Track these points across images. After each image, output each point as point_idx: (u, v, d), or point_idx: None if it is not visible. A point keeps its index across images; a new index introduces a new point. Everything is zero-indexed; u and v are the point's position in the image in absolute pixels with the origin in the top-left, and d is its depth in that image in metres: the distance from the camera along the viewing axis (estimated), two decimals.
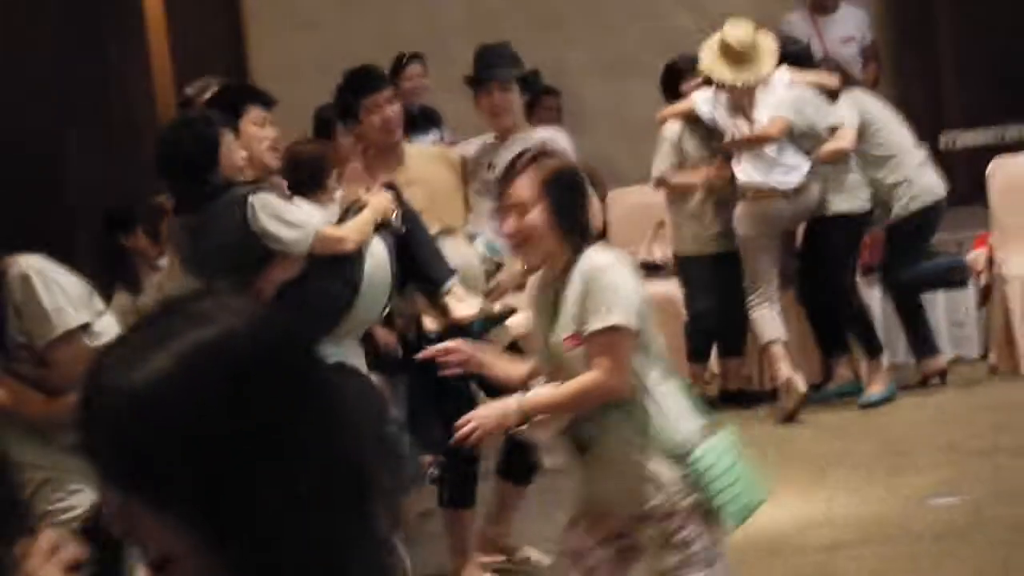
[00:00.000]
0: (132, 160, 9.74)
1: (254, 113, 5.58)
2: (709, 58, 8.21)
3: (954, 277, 8.78)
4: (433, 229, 5.85)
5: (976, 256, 8.89)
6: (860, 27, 10.31)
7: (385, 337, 6.00)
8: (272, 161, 5.60)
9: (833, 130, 8.43)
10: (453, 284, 5.62)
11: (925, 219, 8.56)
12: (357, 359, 5.30)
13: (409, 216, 5.62)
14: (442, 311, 5.59)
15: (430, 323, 5.68)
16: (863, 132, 8.48)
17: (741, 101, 8.29)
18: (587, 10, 10.46)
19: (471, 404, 5.79)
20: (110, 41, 10.28)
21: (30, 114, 10.16)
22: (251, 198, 5.21)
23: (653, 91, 8.96)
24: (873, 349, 8.49)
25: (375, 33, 10.32)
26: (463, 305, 5.57)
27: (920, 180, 8.53)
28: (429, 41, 9.72)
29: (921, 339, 8.62)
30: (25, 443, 4.46)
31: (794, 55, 8.56)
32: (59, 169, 10.24)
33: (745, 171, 8.33)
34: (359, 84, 6.17)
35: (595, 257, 4.13)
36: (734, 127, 8.31)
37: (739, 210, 8.41)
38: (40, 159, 10.17)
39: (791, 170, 8.31)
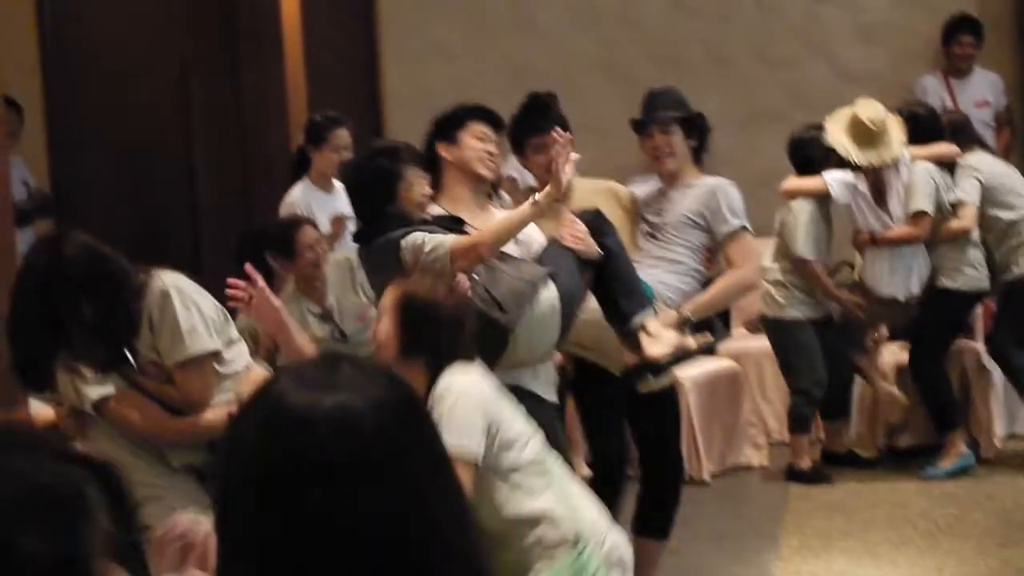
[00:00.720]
0: (265, 182, 9.86)
1: (476, 128, 5.51)
2: (837, 133, 8.08)
3: None
4: None
5: None
6: (994, 91, 10.29)
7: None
8: (483, 170, 5.53)
9: (954, 207, 8.26)
10: (646, 319, 5.49)
11: None
12: (532, 381, 5.23)
13: (609, 246, 5.50)
14: (635, 346, 5.49)
15: (629, 357, 5.57)
16: (987, 197, 8.32)
17: (877, 187, 8.18)
18: (720, 57, 10.43)
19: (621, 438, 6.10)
20: (245, 64, 10.36)
21: (162, 136, 10.29)
22: (402, 241, 5.17)
23: (780, 142, 8.85)
24: (944, 424, 8.40)
25: (506, 64, 10.37)
26: (656, 341, 5.45)
27: None
28: (558, 77, 9.73)
29: None
30: (136, 460, 4.48)
31: (922, 121, 8.35)
32: (191, 191, 10.34)
33: (869, 271, 8.28)
34: (529, 120, 6.06)
35: (443, 381, 4.25)
36: (873, 219, 8.20)
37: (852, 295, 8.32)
38: (171, 181, 10.29)
39: (911, 274, 8.24)
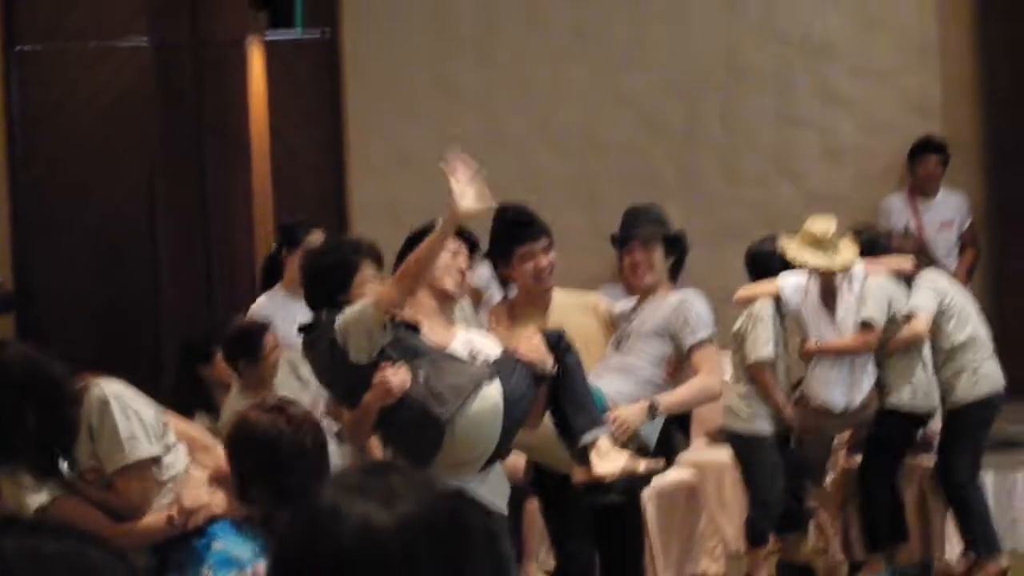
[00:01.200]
0: (228, 284, 9.99)
1: (450, 243, 5.53)
2: (793, 247, 8.05)
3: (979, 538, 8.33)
4: None
5: None
6: (959, 212, 10.34)
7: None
8: (451, 285, 5.60)
9: (908, 317, 8.15)
10: (596, 438, 5.48)
11: (986, 409, 8.31)
12: (480, 487, 5.19)
13: (567, 363, 5.50)
14: (584, 464, 5.48)
15: (578, 474, 5.55)
16: (940, 314, 8.24)
17: (827, 292, 8.08)
18: (688, 175, 10.46)
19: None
20: (213, 169, 10.42)
21: (128, 238, 10.35)
22: (337, 319, 5.19)
23: None
24: (871, 542, 8.36)
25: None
26: (605, 461, 5.45)
27: (984, 368, 8.28)
28: (525, 190, 9.33)
29: (978, 537, 8.35)
30: None
31: (869, 242, 8.33)
32: (155, 292, 10.35)
33: (810, 379, 8.16)
34: (516, 231, 6.15)
35: None
36: (821, 326, 8.11)
37: (794, 410, 8.19)
38: (135, 281, 10.32)
39: (853, 388, 8.13)
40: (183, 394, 7.59)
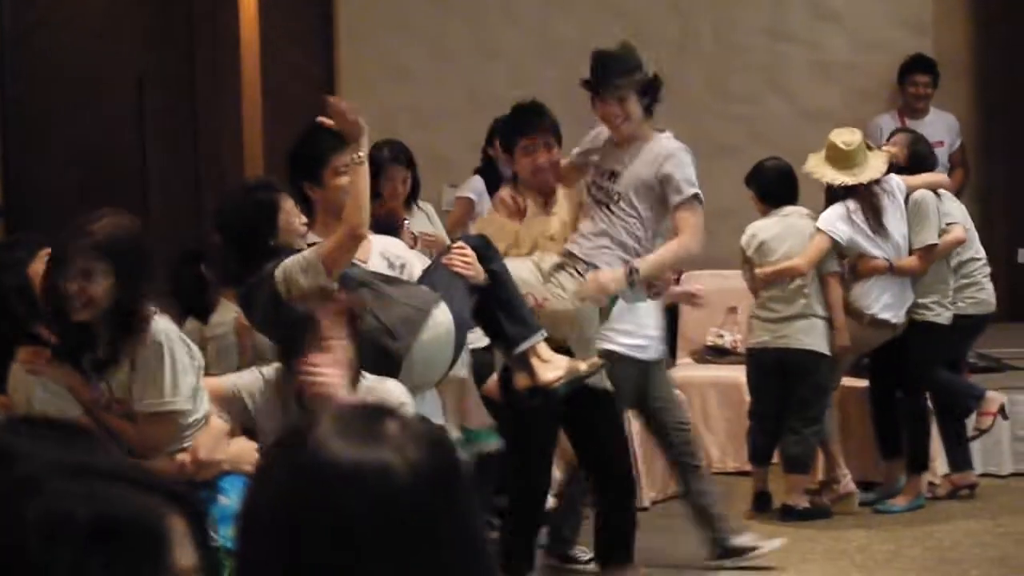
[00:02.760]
0: (216, 198, 9.66)
1: (339, 161, 5.42)
2: (813, 162, 8.06)
3: (962, 405, 8.43)
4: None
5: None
6: (950, 132, 10.32)
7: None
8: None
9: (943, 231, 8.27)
10: (534, 343, 5.51)
11: (976, 326, 8.42)
12: (419, 406, 5.16)
13: (496, 271, 5.52)
14: (526, 370, 5.51)
15: (519, 380, 5.60)
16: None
17: (868, 207, 8.05)
18: (678, 89, 9.88)
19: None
20: (202, 80, 10.34)
21: (116, 149, 10.28)
22: (276, 272, 5.11)
23: (737, 176, 8.82)
24: (915, 464, 8.36)
25: (466, 89, 10.33)
26: (548, 367, 5.49)
27: (987, 288, 8.40)
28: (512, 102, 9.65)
29: (953, 450, 8.46)
30: None
31: (920, 155, 8.40)
32: (143, 205, 10.18)
33: (870, 295, 8.13)
34: (522, 121, 6.16)
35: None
36: (871, 245, 8.09)
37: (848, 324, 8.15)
38: (124, 192, 10.08)
39: (904, 303, 8.17)
40: (185, 296, 7.71)
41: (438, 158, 9.27)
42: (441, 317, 5.22)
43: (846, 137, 7.98)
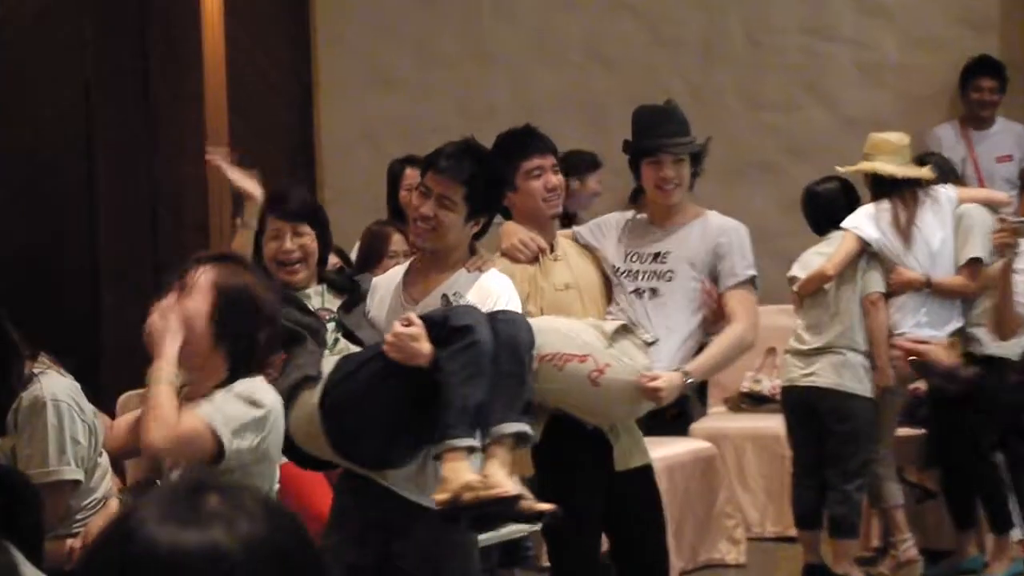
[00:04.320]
0: (176, 228, 9.64)
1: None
2: (866, 165, 7.63)
3: None
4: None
5: None
6: (1019, 145, 9.73)
7: None
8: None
9: None
10: (467, 446, 4.79)
11: None
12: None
13: (451, 357, 4.77)
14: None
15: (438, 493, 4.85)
16: None
17: (907, 216, 7.53)
18: (704, 97, 9.89)
19: None
20: (158, 88, 9.81)
21: (57, 166, 9.67)
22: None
23: (770, 194, 8.80)
24: (1001, 522, 7.68)
25: (459, 98, 10.06)
26: (457, 478, 4.76)
27: None
28: (517, 114, 9.14)
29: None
30: None
31: (938, 169, 7.81)
32: (89, 234, 9.69)
33: (896, 310, 7.56)
34: (522, 144, 5.76)
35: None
36: (901, 255, 7.54)
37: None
38: (68, 222, 9.73)
39: (947, 322, 7.55)
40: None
41: None
42: (309, 398, 4.79)
43: (892, 135, 7.68)
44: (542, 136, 5.81)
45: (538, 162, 5.67)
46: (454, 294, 5.09)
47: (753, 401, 9.12)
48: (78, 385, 4.70)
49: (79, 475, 4.58)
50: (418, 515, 4.70)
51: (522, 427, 4.74)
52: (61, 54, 9.56)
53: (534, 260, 5.70)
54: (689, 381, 5.50)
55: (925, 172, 7.53)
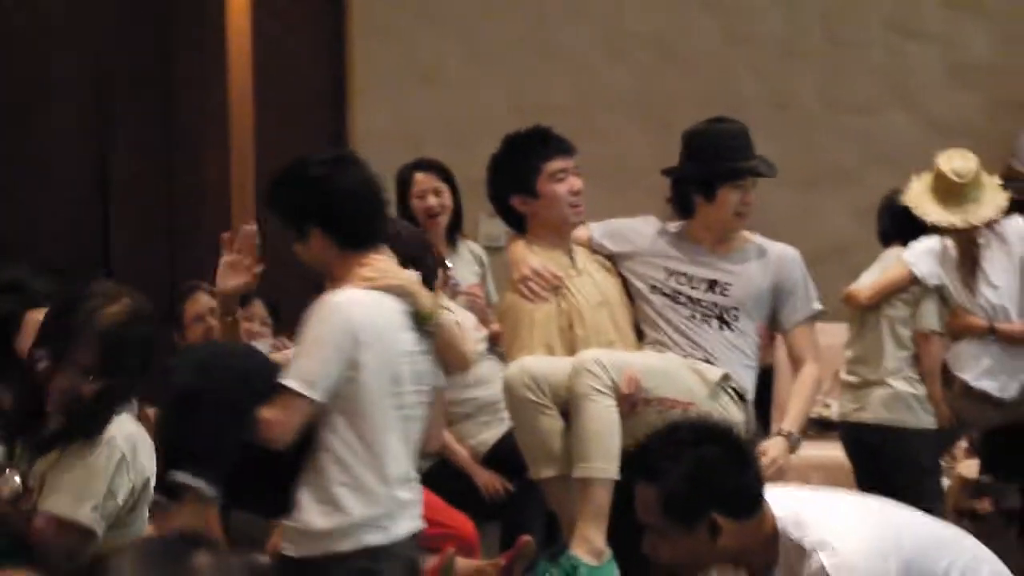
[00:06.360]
0: (192, 234, 9.47)
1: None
2: (916, 191, 7.37)
3: None
4: None
5: None
6: None
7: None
8: None
9: None
10: None
11: None
12: None
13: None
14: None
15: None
16: None
17: (970, 257, 7.38)
18: (781, 100, 9.87)
19: None
20: (181, 86, 9.68)
21: (70, 167, 9.66)
22: None
23: (852, 204, 8.79)
24: None
25: (512, 96, 9.71)
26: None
27: None
28: (577, 114, 9.07)
29: None
30: None
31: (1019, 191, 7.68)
32: (102, 241, 9.71)
33: (959, 358, 7.44)
34: (543, 145, 5.66)
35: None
36: (964, 298, 7.43)
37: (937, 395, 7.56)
38: (81, 227, 9.70)
39: (1012, 375, 7.39)
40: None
41: (476, 182, 8.39)
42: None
43: (958, 164, 7.32)
44: (560, 137, 5.72)
45: (561, 164, 5.57)
46: None
47: (820, 427, 8.90)
48: (148, 440, 4.57)
49: (96, 526, 4.38)
50: None
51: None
52: (82, 44, 9.54)
53: (555, 291, 5.60)
54: (792, 438, 5.50)
55: (988, 210, 7.25)
